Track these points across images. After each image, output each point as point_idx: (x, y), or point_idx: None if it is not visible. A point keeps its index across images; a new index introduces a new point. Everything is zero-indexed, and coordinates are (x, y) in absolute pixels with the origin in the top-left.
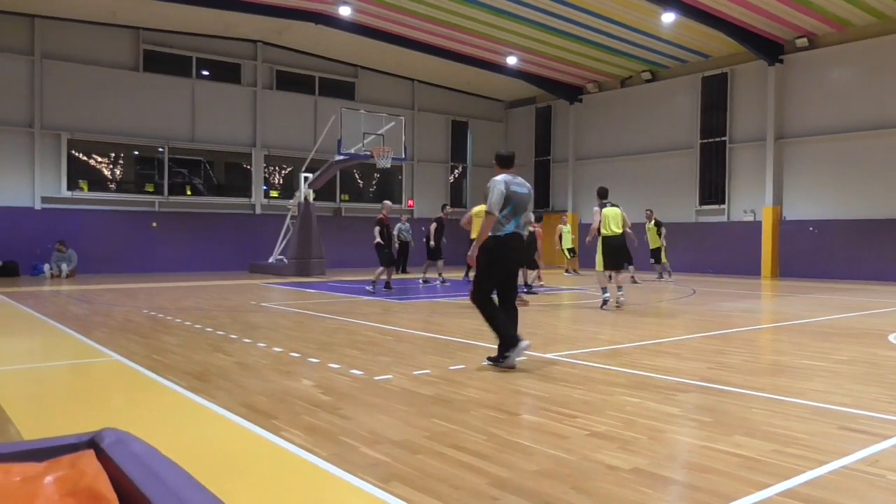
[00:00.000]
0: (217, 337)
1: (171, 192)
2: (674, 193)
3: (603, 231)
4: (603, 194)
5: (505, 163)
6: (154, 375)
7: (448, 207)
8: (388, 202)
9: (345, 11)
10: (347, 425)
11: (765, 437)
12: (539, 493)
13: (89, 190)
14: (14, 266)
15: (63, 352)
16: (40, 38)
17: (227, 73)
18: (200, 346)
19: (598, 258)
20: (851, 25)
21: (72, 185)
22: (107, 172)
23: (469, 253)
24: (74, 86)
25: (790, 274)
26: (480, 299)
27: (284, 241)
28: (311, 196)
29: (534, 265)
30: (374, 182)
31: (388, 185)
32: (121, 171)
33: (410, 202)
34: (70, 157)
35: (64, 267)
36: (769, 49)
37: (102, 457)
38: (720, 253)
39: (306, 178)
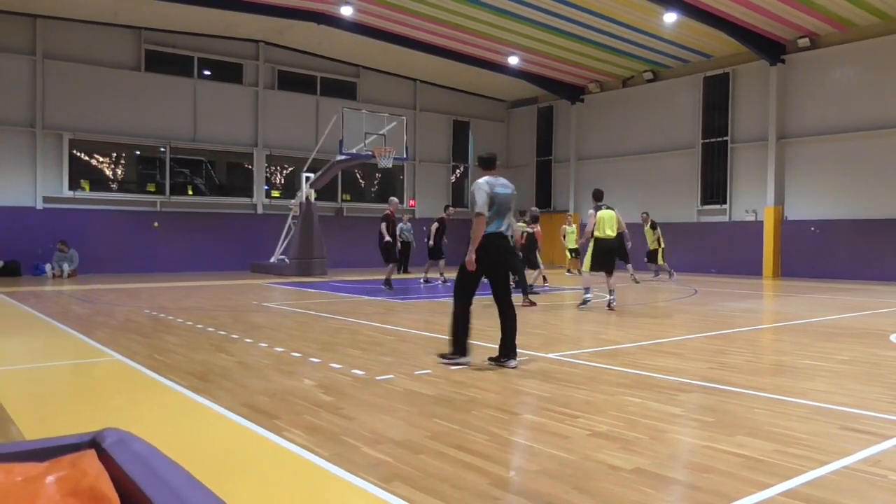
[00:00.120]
0: (219, 337)
1: (172, 192)
2: (675, 193)
3: (597, 233)
4: (598, 196)
5: (487, 164)
6: (155, 375)
7: (451, 208)
8: (394, 199)
9: (346, 11)
10: (349, 425)
11: (766, 438)
12: (541, 493)
13: (91, 190)
14: (16, 266)
15: (64, 352)
16: (42, 38)
17: (228, 72)
18: (202, 346)
19: (588, 259)
20: (853, 25)
21: (73, 185)
22: (108, 172)
23: (466, 258)
24: (76, 86)
25: (791, 274)
26: (457, 296)
27: (286, 241)
28: (313, 196)
29: (534, 265)
30: (375, 182)
31: (389, 185)
32: (122, 171)
33: (412, 202)
34: (72, 157)
35: (65, 267)
36: (771, 49)
37: (104, 457)
38: (721, 253)
39: (308, 178)
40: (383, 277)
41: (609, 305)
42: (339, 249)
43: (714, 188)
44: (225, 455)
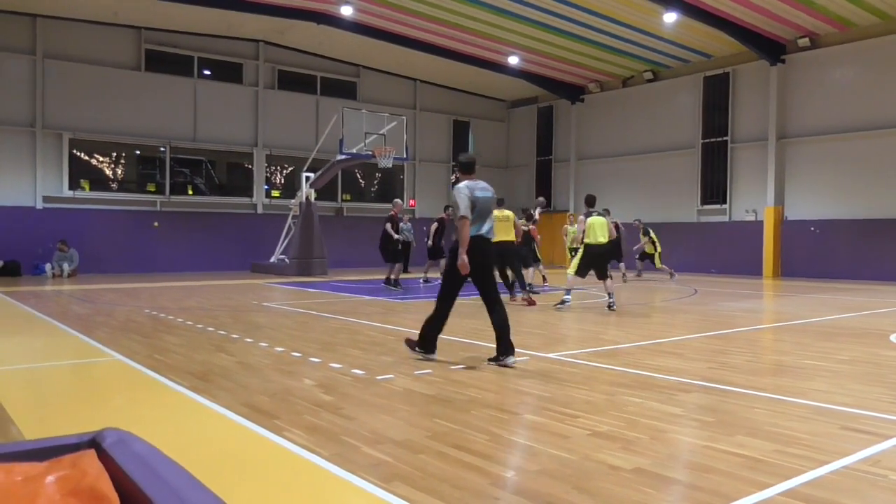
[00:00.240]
0: (219, 337)
1: (172, 192)
2: (675, 193)
3: (587, 240)
4: (590, 202)
5: (467, 169)
6: (156, 375)
7: (451, 209)
8: (398, 201)
9: (347, 11)
10: (349, 425)
11: (767, 437)
12: (541, 493)
13: (91, 189)
14: (16, 266)
15: (65, 351)
16: (42, 37)
17: (229, 72)
18: (202, 346)
19: (575, 262)
20: (854, 25)
21: (73, 185)
22: (108, 172)
23: (458, 262)
24: (76, 85)
25: (791, 274)
26: (441, 297)
27: (286, 241)
28: (313, 196)
29: (528, 264)
30: (375, 182)
31: (389, 184)
32: (122, 171)
33: (412, 202)
34: (72, 157)
35: (65, 266)
36: (771, 49)
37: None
38: (721, 253)
39: (308, 178)
40: (384, 277)
41: (609, 307)
42: (340, 249)
43: (714, 188)
44: (225, 455)
